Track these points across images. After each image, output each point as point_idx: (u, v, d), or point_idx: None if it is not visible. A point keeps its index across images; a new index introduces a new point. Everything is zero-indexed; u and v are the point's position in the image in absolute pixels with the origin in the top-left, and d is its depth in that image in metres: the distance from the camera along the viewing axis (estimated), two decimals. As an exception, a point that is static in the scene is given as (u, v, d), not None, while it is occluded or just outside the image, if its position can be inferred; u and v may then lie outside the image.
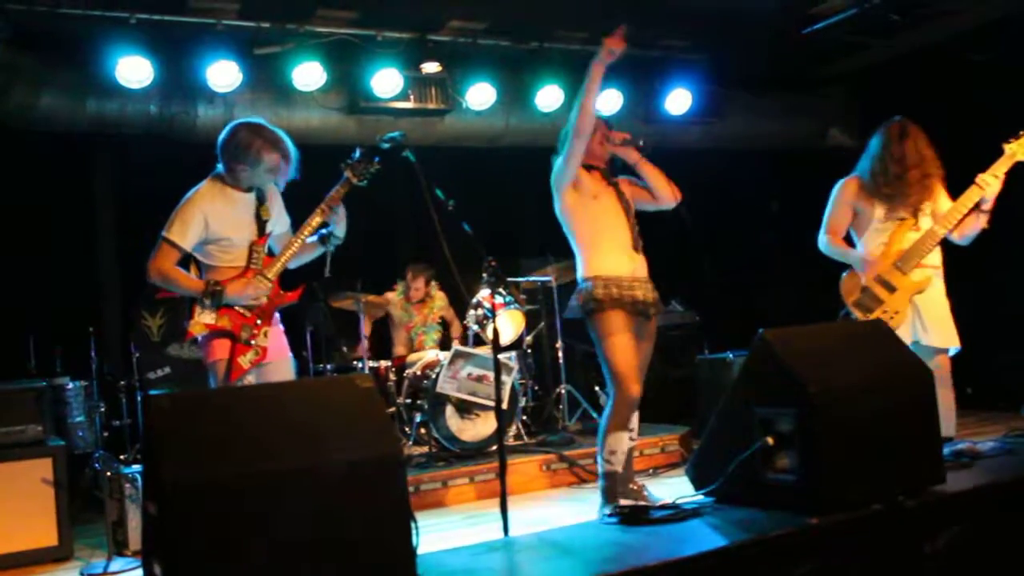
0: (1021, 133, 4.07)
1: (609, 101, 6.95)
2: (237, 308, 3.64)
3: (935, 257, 4.17)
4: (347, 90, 6.42)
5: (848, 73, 7.79)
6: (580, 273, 3.91)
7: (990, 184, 4.04)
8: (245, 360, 3.59)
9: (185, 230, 3.57)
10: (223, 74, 5.88)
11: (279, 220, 3.88)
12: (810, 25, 6.65)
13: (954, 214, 4.08)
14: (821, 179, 4.58)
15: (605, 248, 3.87)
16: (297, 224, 3.83)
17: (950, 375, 4.12)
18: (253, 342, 3.62)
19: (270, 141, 3.68)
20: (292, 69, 6.09)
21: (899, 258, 4.12)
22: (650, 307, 3.86)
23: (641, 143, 3.97)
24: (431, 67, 6.47)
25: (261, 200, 3.76)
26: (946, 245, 4.19)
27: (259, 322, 3.66)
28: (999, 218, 4.14)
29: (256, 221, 3.73)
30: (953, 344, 4.11)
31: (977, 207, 4.08)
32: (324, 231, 3.79)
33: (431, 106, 6.56)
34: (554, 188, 3.94)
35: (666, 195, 4.00)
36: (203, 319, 3.56)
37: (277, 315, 3.82)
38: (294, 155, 3.76)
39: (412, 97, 6.46)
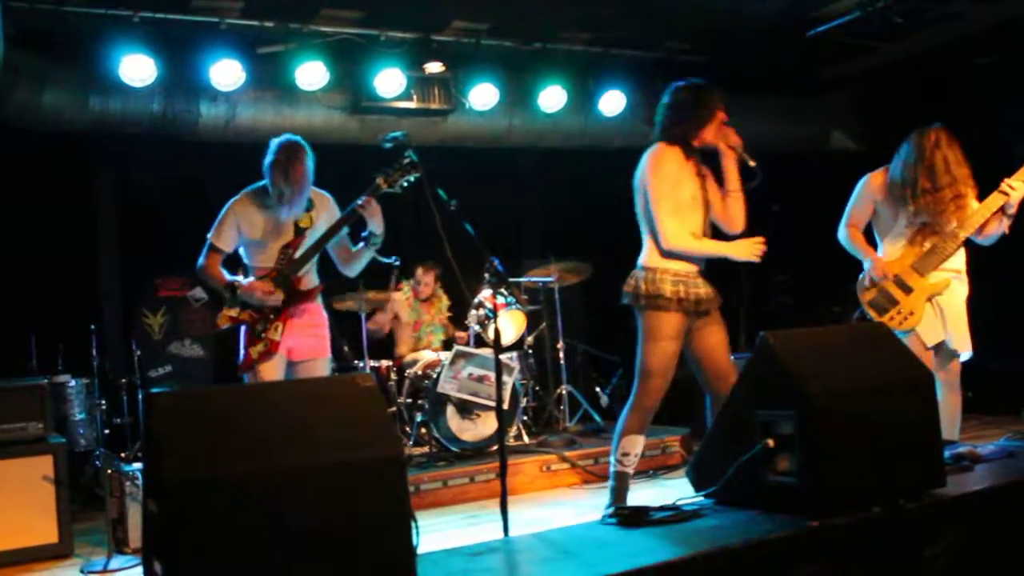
0: None
1: (611, 103, 6.95)
2: (254, 305, 3.94)
3: (957, 260, 4.12)
4: (350, 90, 6.43)
5: (851, 76, 7.77)
6: (645, 259, 3.74)
7: (1015, 189, 3.99)
8: (255, 351, 3.91)
9: (220, 233, 3.98)
10: (226, 73, 5.89)
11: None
12: (813, 28, 6.64)
13: (976, 218, 4.04)
14: (823, 182, 4.55)
15: None
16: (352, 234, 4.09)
17: (959, 380, 4.10)
18: (264, 335, 3.92)
19: (283, 165, 3.85)
20: (295, 68, 6.09)
21: (918, 260, 4.09)
22: (712, 303, 3.75)
23: (751, 163, 3.86)
24: (434, 67, 6.47)
25: (307, 208, 4.01)
26: (969, 247, 4.15)
27: (272, 317, 3.93)
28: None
29: (294, 228, 3.97)
30: (966, 350, 4.08)
31: (1001, 210, 4.03)
32: (364, 233, 4.05)
33: (434, 106, 6.57)
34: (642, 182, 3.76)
35: (735, 221, 3.84)
36: (228, 312, 3.96)
37: (324, 315, 4.10)
38: (305, 175, 3.91)
39: (415, 97, 6.48)
